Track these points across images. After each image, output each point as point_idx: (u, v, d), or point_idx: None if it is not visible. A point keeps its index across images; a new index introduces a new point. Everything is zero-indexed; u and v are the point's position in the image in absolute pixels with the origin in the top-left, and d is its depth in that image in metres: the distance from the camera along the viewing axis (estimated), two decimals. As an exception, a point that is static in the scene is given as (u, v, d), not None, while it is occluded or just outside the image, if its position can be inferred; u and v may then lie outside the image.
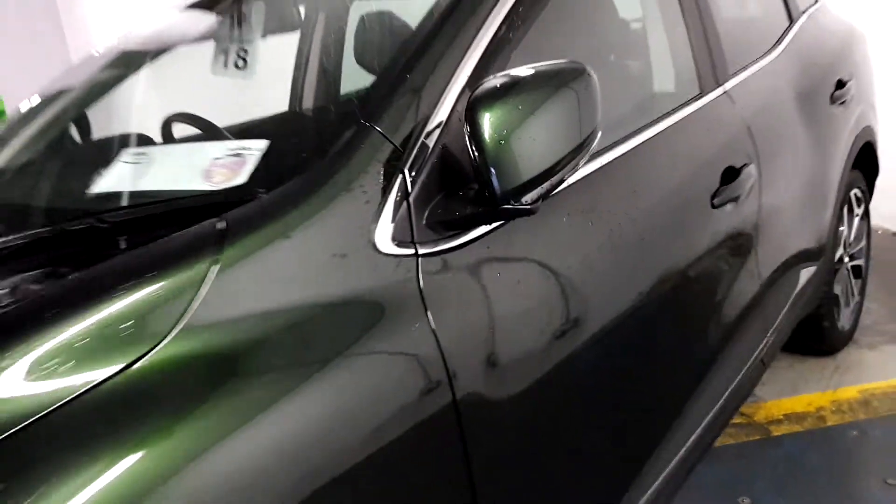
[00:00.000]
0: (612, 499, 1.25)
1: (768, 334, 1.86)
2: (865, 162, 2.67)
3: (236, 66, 1.62)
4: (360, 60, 1.52)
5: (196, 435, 0.67)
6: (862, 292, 2.83)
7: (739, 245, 1.64)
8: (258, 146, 1.01)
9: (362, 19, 1.57)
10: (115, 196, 1.03)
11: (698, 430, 1.50)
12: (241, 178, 0.96)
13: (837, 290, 2.54)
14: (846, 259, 2.60)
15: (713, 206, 1.50)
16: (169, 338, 0.70)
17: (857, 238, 2.71)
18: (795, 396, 2.47)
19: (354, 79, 1.52)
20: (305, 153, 0.98)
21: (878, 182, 3.02)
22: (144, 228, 0.91)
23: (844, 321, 2.65)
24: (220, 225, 0.80)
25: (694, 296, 1.47)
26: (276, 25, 1.80)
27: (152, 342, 0.70)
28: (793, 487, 2.03)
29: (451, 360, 0.89)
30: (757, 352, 1.79)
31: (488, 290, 0.98)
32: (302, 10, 2.03)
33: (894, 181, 3.69)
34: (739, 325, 1.66)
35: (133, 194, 1.03)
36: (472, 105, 0.91)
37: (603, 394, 1.21)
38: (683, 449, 1.44)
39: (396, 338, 0.86)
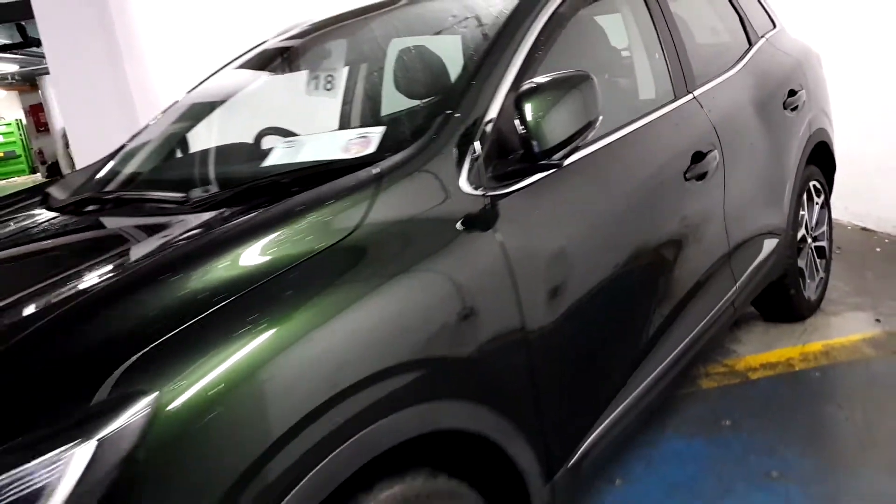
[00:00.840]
0: (624, 379, 1.77)
1: (737, 284, 2.38)
2: (822, 159, 3.20)
3: (326, 88, 2.18)
4: (397, 84, 2.01)
5: (369, 278, 1.19)
6: (827, 270, 3.34)
7: (707, 210, 2.18)
8: (377, 131, 1.55)
9: (400, 54, 2.08)
10: (284, 165, 1.57)
11: (686, 341, 2.03)
12: (371, 149, 1.50)
13: (802, 264, 3.05)
14: (809, 240, 3.12)
15: (685, 179, 2.04)
16: (358, 228, 1.23)
17: (819, 223, 3.23)
18: (769, 351, 2.98)
19: (393, 99, 2.06)
20: (412, 133, 1.52)
21: (850, 185, 3.54)
22: (306, 183, 1.44)
23: (810, 292, 3.16)
24: (376, 171, 1.34)
25: (675, 243, 2.00)
26: (351, 59, 2.36)
27: (350, 230, 1.22)
28: (766, 413, 2.53)
29: (510, 256, 1.41)
30: (728, 294, 2.31)
31: (529, 218, 1.51)
32: (359, 47, 2.59)
33: (862, 185, 4.23)
34: (713, 269, 2.19)
35: (294, 164, 1.56)
36: (519, 98, 1.46)
37: (618, 294, 1.74)
38: (676, 351, 1.97)
39: (475, 241, 1.38)
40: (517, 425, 1.40)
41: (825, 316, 3.25)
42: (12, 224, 1.83)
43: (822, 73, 3.27)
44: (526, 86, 1.48)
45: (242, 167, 1.86)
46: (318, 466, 1.04)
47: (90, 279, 1.22)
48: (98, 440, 0.86)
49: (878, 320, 3.13)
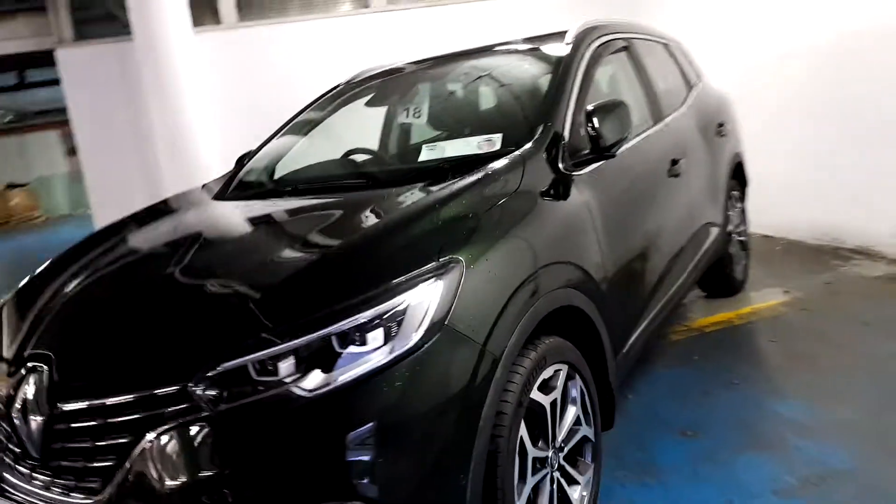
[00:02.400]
0: (647, 301, 2.67)
1: (700, 251, 3.37)
2: (740, 175, 4.31)
3: (416, 116, 3.02)
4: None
5: (529, 211, 2.03)
6: (747, 257, 4.43)
7: (682, 198, 3.16)
8: (496, 137, 2.41)
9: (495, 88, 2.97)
10: (439, 159, 2.40)
11: (679, 281, 3.01)
12: (496, 147, 2.36)
13: (732, 251, 4.11)
14: (735, 234, 4.19)
15: (668, 175, 3.01)
16: (519, 185, 2.08)
17: (740, 222, 4.32)
18: (715, 315, 3.98)
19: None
20: (523, 137, 2.37)
21: (755, 201, 4.63)
22: (458, 169, 2.27)
23: (738, 273, 4.23)
24: (519, 155, 2.20)
25: (669, 214, 2.96)
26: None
27: (517, 186, 2.07)
28: (721, 349, 3.51)
29: (589, 207, 2.29)
30: (697, 256, 3.31)
31: (594, 181, 2.39)
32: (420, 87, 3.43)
33: (765, 202, 5.36)
34: (690, 236, 3.18)
35: (447, 157, 2.40)
36: (590, 113, 2.36)
37: (642, 237, 2.66)
38: (674, 287, 2.94)
39: (568, 203, 2.25)
40: (600, 313, 2.26)
41: (748, 293, 4.31)
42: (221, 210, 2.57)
43: (734, 111, 4.40)
44: (593, 105, 2.39)
45: (401, 162, 2.65)
46: (530, 309, 1.85)
47: (392, 212, 2.00)
48: (445, 279, 1.65)
49: (786, 291, 4.22)
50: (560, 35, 2.89)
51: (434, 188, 2.10)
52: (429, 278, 1.63)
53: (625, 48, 3.21)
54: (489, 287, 1.75)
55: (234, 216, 2.54)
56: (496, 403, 1.69)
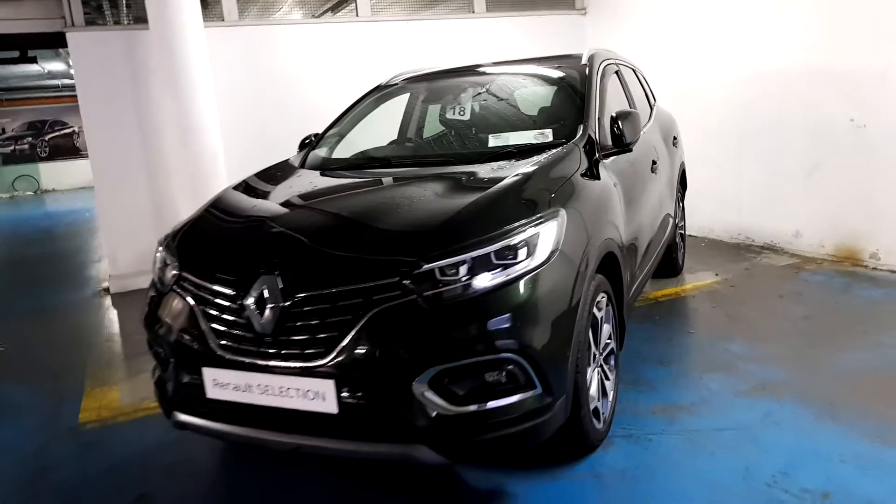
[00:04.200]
0: (641, 260, 3.57)
1: (666, 233, 4.34)
2: (683, 180, 5.36)
3: (461, 114, 3.81)
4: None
5: (587, 184, 2.87)
6: (685, 247, 5.49)
7: (658, 192, 4.11)
8: (548, 131, 3.23)
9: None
10: (506, 145, 3.19)
11: (656, 251, 3.91)
12: (549, 139, 3.18)
13: (677, 240, 5.13)
14: (678, 226, 5.22)
15: (652, 172, 3.95)
16: (580, 165, 2.91)
17: (681, 218, 5.36)
18: (663, 290, 4.98)
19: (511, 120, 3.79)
20: (564, 133, 3.20)
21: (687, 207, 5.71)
22: (522, 153, 3.07)
23: (679, 259, 5.26)
24: (576, 145, 3.03)
25: (654, 203, 3.89)
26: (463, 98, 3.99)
27: (578, 165, 2.90)
28: (675, 312, 4.49)
29: (614, 184, 3.15)
30: (666, 235, 4.26)
31: (614, 168, 3.25)
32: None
33: (691, 207, 6.45)
34: (661, 222, 4.12)
35: (513, 144, 3.19)
36: (615, 118, 3.24)
37: (641, 208, 3.56)
38: (653, 256, 3.84)
39: (602, 181, 3.10)
40: (623, 262, 3.11)
41: (686, 274, 5.36)
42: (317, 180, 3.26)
43: (679, 128, 5.46)
44: (615, 112, 3.26)
45: (478, 146, 3.40)
46: (595, 249, 2.68)
47: (502, 177, 2.73)
48: (556, 220, 2.46)
49: (716, 274, 5.30)
50: (576, 57, 3.77)
51: (521, 163, 2.88)
52: (548, 219, 2.44)
53: (616, 71, 4.13)
54: (577, 230, 2.57)
55: (372, 176, 3.25)
56: (580, 306, 2.50)
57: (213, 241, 2.76)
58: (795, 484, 2.47)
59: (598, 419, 2.78)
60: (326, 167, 3.51)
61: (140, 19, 6.03)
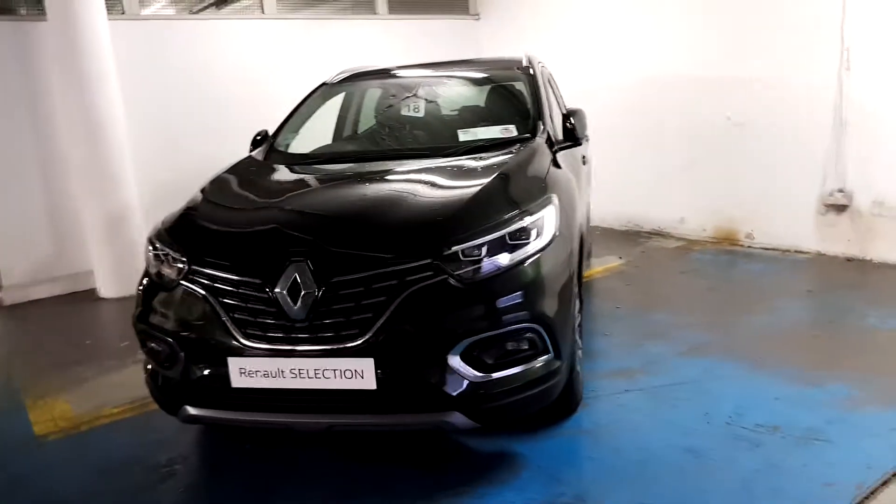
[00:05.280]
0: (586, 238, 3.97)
1: (588, 215, 4.79)
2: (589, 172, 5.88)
3: (416, 111, 4.01)
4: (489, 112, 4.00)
5: (558, 169, 3.20)
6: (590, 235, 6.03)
7: (585, 180, 4.54)
8: (512, 126, 3.52)
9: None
10: (475, 140, 3.44)
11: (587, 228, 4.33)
12: (514, 135, 3.48)
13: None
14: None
15: (583, 163, 4.37)
16: (554, 157, 3.23)
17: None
18: (602, 266, 5.46)
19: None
20: (529, 129, 3.51)
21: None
22: (491, 147, 3.35)
23: (588, 246, 5.78)
24: (547, 140, 3.35)
25: (586, 190, 4.31)
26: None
27: (552, 158, 3.22)
28: (591, 293, 4.96)
29: (563, 167, 3.49)
30: (587, 217, 4.71)
31: (564, 160, 3.60)
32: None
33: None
34: (587, 205, 4.56)
35: (481, 139, 3.45)
36: (567, 114, 3.60)
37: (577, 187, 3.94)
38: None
39: (561, 169, 3.45)
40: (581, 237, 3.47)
41: (595, 258, 5.89)
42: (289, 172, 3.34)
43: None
44: (567, 109, 3.62)
45: (445, 140, 3.59)
46: (575, 227, 3.01)
47: (491, 168, 2.99)
48: (553, 204, 2.76)
49: (620, 257, 5.88)
50: (516, 60, 4.11)
51: (501, 155, 3.16)
52: (547, 203, 2.74)
53: (546, 71, 4.52)
54: (565, 213, 2.88)
55: (359, 168, 3.35)
56: (573, 280, 2.82)
57: (224, 234, 2.78)
58: (749, 421, 2.95)
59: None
60: (297, 162, 3.58)
61: (36, 9, 5.60)
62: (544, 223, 2.66)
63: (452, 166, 3.14)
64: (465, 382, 2.42)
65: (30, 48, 5.61)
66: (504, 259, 2.51)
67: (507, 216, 2.60)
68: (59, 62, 5.47)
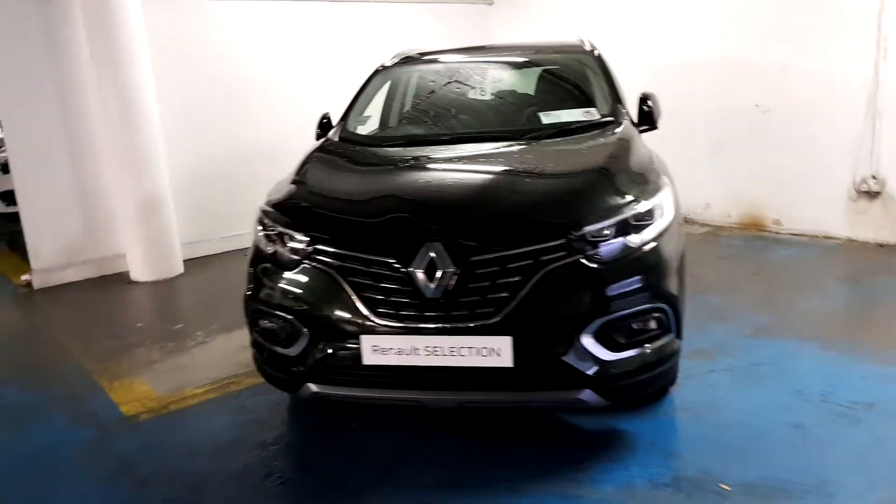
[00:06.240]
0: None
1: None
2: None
3: (489, 95, 4.01)
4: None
5: (633, 143, 3.25)
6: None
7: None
8: (593, 109, 3.56)
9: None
10: (561, 123, 3.46)
11: None
12: (597, 118, 3.51)
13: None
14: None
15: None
16: (616, 135, 3.26)
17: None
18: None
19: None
20: (611, 115, 3.54)
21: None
22: (578, 129, 3.38)
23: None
24: (625, 120, 3.39)
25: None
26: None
27: (635, 134, 3.27)
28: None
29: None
30: None
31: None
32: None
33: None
34: None
35: (567, 122, 3.47)
36: (644, 97, 3.65)
37: None
38: None
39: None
40: None
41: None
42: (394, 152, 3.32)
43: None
44: (643, 94, 3.67)
45: (526, 123, 3.60)
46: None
47: (598, 150, 3.06)
48: (669, 186, 2.81)
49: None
50: (577, 43, 4.14)
51: (598, 137, 3.21)
52: (664, 185, 2.80)
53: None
54: (673, 196, 2.93)
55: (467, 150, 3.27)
56: (684, 261, 2.88)
57: (350, 214, 2.75)
58: (843, 398, 3.05)
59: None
60: (383, 143, 3.57)
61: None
62: (664, 204, 2.71)
63: (557, 149, 3.16)
64: (599, 361, 2.47)
65: (60, 28, 5.44)
66: (634, 240, 2.55)
67: (630, 198, 2.65)
68: (91, 42, 5.34)
